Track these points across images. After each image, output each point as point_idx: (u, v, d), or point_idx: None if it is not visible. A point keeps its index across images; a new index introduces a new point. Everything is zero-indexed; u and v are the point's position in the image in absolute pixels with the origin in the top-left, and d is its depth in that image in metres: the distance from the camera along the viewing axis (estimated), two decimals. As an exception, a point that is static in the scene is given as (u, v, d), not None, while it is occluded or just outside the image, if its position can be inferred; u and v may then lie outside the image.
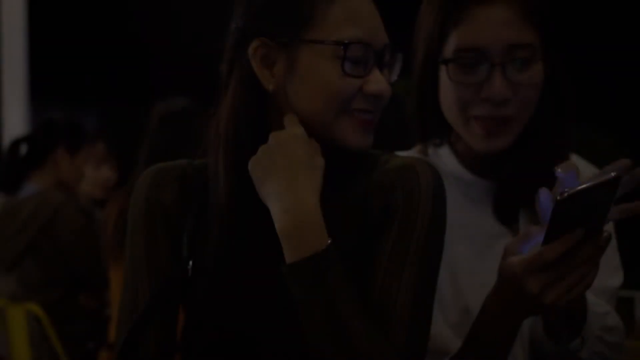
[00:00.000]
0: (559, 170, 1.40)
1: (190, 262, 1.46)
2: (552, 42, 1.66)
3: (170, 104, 3.24)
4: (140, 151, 3.20)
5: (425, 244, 1.42)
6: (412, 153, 1.81)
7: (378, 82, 1.42)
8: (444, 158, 1.77)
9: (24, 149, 4.06)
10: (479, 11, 1.62)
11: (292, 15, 1.41)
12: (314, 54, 1.40)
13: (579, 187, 1.31)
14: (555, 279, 1.38)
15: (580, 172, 1.46)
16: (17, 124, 5.92)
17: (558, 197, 1.31)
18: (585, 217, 1.36)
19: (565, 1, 1.77)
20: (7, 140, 4.82)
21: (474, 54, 1.62)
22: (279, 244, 1.37)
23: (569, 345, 1.59)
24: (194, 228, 1.48)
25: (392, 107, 1.60)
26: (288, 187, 1.37)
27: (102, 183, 4.51)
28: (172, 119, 3.14)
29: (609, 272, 1.73)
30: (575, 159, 1.79)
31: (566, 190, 1.31)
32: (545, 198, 1.41)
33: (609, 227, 1.65)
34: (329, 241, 1.35)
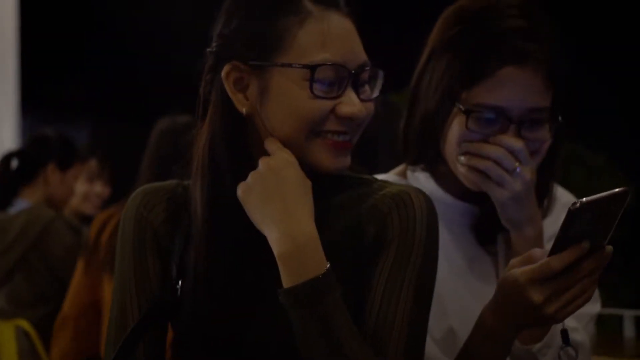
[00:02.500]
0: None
1: (180, 282, 1.46)
2: (561, 106, 1.69)
3: (172, 120, 3.24)
4: (142, 166, 3.20)
5: (420, 271, 1.42)
6: (391, 175, 1.85)
7: (351, 103, 1.41)
8: (422, 181, 1.80)
9: (14, 163, 4.05)
10: (509, 72, 1.64)
11: (263, 39, 1.41)
12: (285, 77, 1.40)
13: (592, 198, 1.33)
14: (558, 291, 1.39)
15: (566, 205, 1.55)
16: (8, 138, 5.92)
17: (571, 207, 1.32)
18: (592, 230, 1.37)
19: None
20: (-1, 154, 4.81)
21: (496, 111, 1.64)
22: (262, 267, 1.38)
23: (534, 349, 1.61)
24: (182, 248, 1.48)
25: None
26: (285, 212, 1.36)
27: (95, 199, 4.50)
28: (174, 134, 3.14)
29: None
30: (564, 193, 1.83)
31: (579, 200, 1.33)
32: None
33: None
34: (328, 265, 1.35)
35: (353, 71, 1.41)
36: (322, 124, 1.41)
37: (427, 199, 1.46)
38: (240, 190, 1.40)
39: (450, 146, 1.68)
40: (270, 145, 1.42)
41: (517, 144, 1.62)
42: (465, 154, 1.66)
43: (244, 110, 1.43)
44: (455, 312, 1.70)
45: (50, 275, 3.81)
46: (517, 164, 1.62)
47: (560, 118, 1.68)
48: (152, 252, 1.50)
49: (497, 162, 1.63)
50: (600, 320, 1.82)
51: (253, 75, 1.42)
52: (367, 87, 1.45)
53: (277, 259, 1.36)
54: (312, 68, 1.38)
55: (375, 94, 1.46)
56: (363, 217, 1.45)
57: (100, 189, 4.51)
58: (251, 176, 1.40)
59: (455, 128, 1.67)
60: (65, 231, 3.84)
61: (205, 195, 1.44)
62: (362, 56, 1.44)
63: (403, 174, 1.83)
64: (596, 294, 1.78)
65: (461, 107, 1.65)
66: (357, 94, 1.42)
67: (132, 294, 1.48)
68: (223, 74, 1.43)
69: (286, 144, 1.42)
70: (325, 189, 1.46)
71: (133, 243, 1.50)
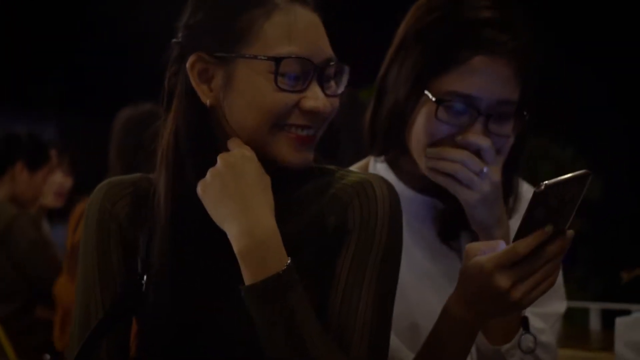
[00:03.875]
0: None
1: (145, 277, 1.45)
2: (529, 101, 1.69)
3: (134, 108, 3.23)
4: (110, 158, 3.19)
5: (383, 260, 1.42)
6: (355, 168, 1.82)
7: (315, 98, 1.40)
8: (382, 174, 1.79)
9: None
10: (481, 60, 1.64)
11: (229, 30, 1.40)
12: (249, 69, 1.39)
13: (556, 180, 1.34)
14: (523, 276, 1.39)
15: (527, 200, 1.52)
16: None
17: (536, 190, 1.33)
18: (555, 214, 1.38)
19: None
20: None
21: (466, 100, 1.63)
22: (226, 261, 1.37)
23: (503, 349, 1.62)
24: (147, 243, 1.47)
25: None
26: (243, 209, 1.35)
27: (56, 189, 4.47)
28: (138, 123, 3.12)
29: (556, 299, 1.76)
30: (527, 188, 1.83)
31: (544, 183, 1.33)
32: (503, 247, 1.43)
33: None
34: (289, 261, 1.34)
35: (318, 65, 1.41)
36: (286, 118, 1.40)
37: (389, 187, 1.45)
38: (200, 187, 1.39)
39: (417, 137, 1.67)
40: (231, 143, 1.41)
41: (484, 142, 1.62)
42: (431, 158, 1.65)
43: (207, 102, 1.42)
44: (418, 307, 1.69)
45: (16, 272, 3.79)
46: (483, 165, 1.62)
47: (525, 114, 1.69)
48: (116, 246, 1.48)
49: (463, 165, 1.62)
50: (567, 314, 1.84)
51: (218, 66, 1.41)
52: (332, 83, 1.44)
53: (237, 255, 1.35)
54: (277, 60, 1.37)
55: (341, 89, 1.45)
56: (324, 207, 1.44)
57: (60, 178, 4.48)
58: (209, 173, 1.39)
59: (423, 118, 1.66)
60: (29, 227, 3.82)
61: (169, 188, 1.43)
62: (327, 51, 1.43)
63: (366, 169, 1.83)
64: (562, 292, 1.79)
65: (431, 96, 1.65)
66: (322, 88, 1.41)
67: (95, 289, 1.47)
68: (188, 64, 1.42)
69: (249, 137, 1.41)
70: (287, 180, 1.45)
71: (97, 237, 1.48)
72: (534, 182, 1.90)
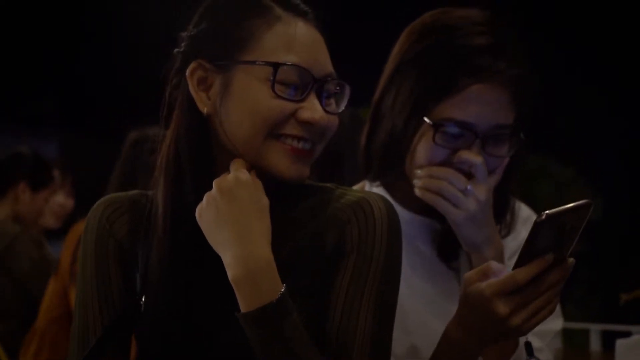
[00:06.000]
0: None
1: (144, 297, 1.44)
2: (523, 124, 1.70)
3: (143, 132, 3.22)
4: (111, 178, 3.19)
5: (382, 277, 1.40)
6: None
7: (313, 109, 1.38)
8: None
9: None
10: (478, 88, 1.64)
11: (230, 38, 1.40)
12: (247, 75, 1.38)
13: (556, 210, 1.34)
14: (523, 303, 1.39)
15: (526, 220, 1.60)
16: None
17: (536, 220, 1.33)
18: (556, 242, 1.37)
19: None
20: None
21: (463, 126, 1.64)
22: (225, 277, 1.36)
23: None
24: (146, 261, 1.46)
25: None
26: (238, 235, 1.35)
27: (57, 210, 4.46)
28: (145, 146, 3.11)
29: (552, 317, 1.76)
30: (523, 208, 1.83)
31: (544, 212, 1.33)
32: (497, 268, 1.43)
33: None
34: (283, 288, 1.33)
35: (318, 79, 1.39)
36: (282, 127, 1.38)
37: (388, 206, 1.43)
38: (197, 211, 1.38)
39: (418, 161, 1.68)
40: (232, 165, 1.40)
41: (476, 159, 1.63)
42: (419, 177, 1.66)
43: (205, 110, 1.41)
44: (417, 329, 1.69)
45: (16, 291, 3.78)
46: (468, 183, 1.63)
47: (522, 135, 1.69)
48: (115, 264, 1.47)
49: (449, 182, 1.63)
50: (568, 335, 1.84)
51: (217, 74, 1.40)
52: (332, 100, 1.43)
53: (231, 283, 1.33)
54: (275, 66, 1.37)
55: (341, 108, 1.43)
56: (323, 225, 1.43)
57: (62, 200, 4.47)
58: (205, 198, 1.37)
59: (422, 143, 1.67)
60: (30, 247, 3.81)
61: (168, 200, 1.42)
62: (328, 67, 1.41)
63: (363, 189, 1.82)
64: (558, 309, 1.79)
65: (429, 121, 1.65)
66: (321, 102, 1.40)
67: (94, 308, 1.45)
68: (188, 72, 1.41)
69: (244, 147, 1.39)
70: (287, 198, 1.44)
71: (95, 256, 1.47)
72: (534, 201, 1.90)
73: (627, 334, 3.15)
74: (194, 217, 1.38)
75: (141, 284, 1.44)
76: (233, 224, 1.33)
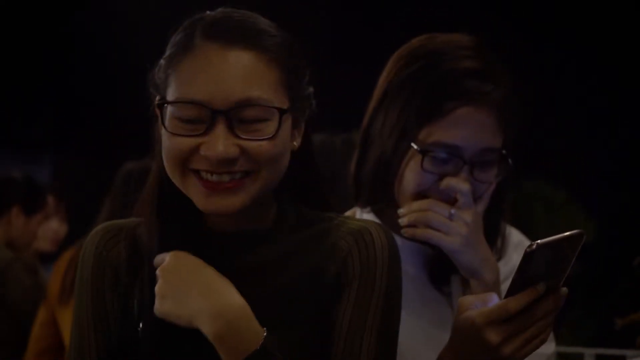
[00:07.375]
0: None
1: (141, 324, 1.44)
2: (512, 146, 1.72)
3: (138, 163, 3.23)
4: (103, 205, 3.18)
5: (384, 309, 1.41)
6: None
7: (212, 144, 1.36)
8: None
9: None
10: (466, 111, 1.67)
11: (161, 76, 1.43)
12: (163, 114, 1.41)
13: (548, 240, 1.34)
14: (515, 332, 1.40)
15: (517, 245, 1.64)
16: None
17: (527, 249, 1.33)
18: (548, 271, 1.38)
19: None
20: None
21: (451, 150, 1.66)
22: None
23: None
24: (143, 289, 1.46)
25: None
26: (203, 296, 1.35)
27: (51, 236, 4.45)
28: (139, 178, 3.11)
29: None
30: (514, 233, 1.84)
31: (535, 242, 1.34)
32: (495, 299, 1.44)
33: None
34: (264, 334, 1.33)
35: (220, 110, 1.35)
36: (190, 162, 1.39)
37: (388, 235, 1.45)
38: (155, 309, 1.39)
39: (406, 187, 1.69)
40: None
41: (462, 186, 1.64)
42: (402, 216, 1.68)
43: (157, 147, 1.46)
44: (411, 351, 1.69)
45: (8, 319, 3.77)
46: (451, 208, 1.65)
47: (509, 160, 1.70)
48: (112, 292, 1.47)
49: (432, 211, 1.65)
50: (562, 359, 1.83)
51: (160, 112, 1.44)
52: (255, 126, 1.38)
53: (213, 341, 1.34)
54: (160, 105, 1.40)
55: (270, 134, 1.37)
56: (323, 255, 1.44)
57: (56, 225, 4.47)
58: (156, 290, 1.39)
59: (410, 169, 1.68)
60: (23, 274, 3.79)
61: (154, 232, 1.44)
62: (240, 93, 1.36)
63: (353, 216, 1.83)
64: (551, 334, 1.79)
65: (416, 147, 1.66)
66: (234, 132, 1.36)
67: (89, 337, 1.45)
68: (153, 110, 1.46)
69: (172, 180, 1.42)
70: (286, 228, 1.45)
71: (91, 283, 1.48)
72: (527, 223, 1.91)
73: (621, 358, 3.15)
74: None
75: (138, 312, 1.44)
76: (196, 288, 1.34)
